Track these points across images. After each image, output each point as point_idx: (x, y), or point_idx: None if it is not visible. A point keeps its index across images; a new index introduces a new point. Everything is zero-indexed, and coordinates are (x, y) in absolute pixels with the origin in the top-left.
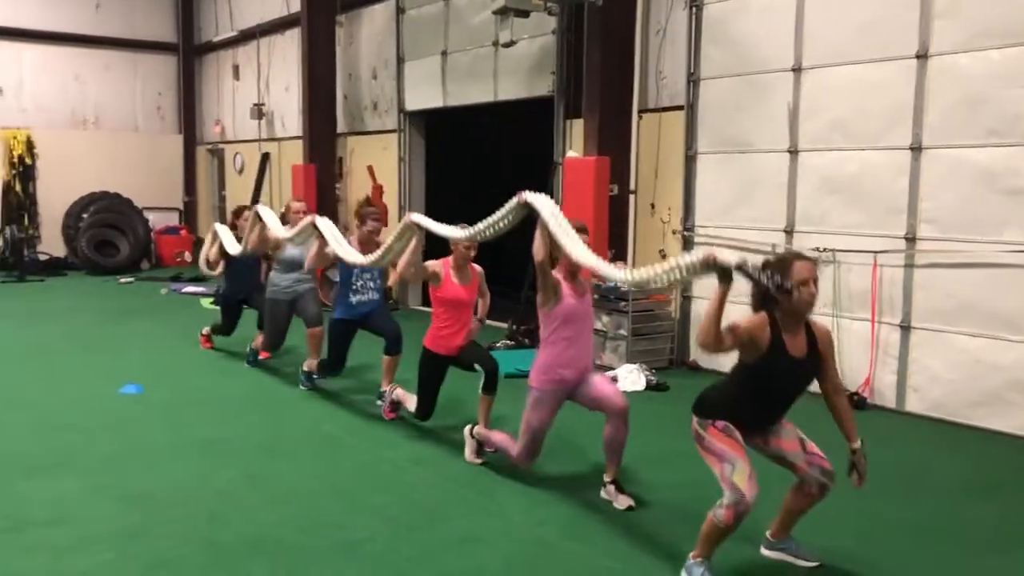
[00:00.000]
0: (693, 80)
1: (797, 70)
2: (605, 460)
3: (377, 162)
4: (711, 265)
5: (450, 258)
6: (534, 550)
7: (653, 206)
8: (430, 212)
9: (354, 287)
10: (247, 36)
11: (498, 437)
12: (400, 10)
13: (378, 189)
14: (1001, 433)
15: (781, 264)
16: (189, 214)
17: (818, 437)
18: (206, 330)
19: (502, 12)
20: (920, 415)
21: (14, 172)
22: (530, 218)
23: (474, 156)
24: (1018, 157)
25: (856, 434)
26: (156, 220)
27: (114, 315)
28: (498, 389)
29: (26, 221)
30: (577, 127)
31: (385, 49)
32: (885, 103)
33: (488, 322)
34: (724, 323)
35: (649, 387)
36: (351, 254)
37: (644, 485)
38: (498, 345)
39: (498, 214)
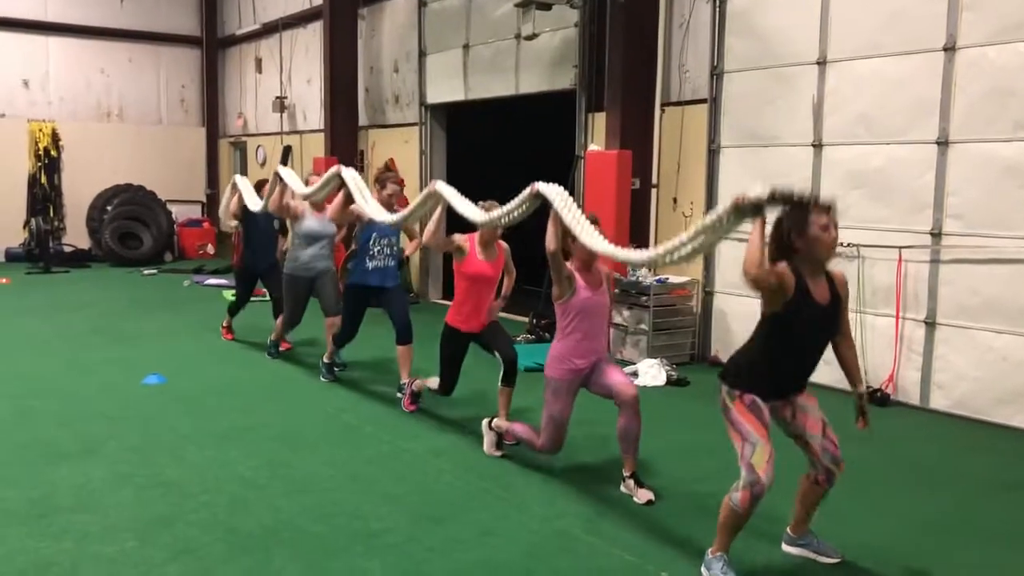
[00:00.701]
0: (716, 73)
1: (822, 63)
2: (621, 453)
3: (398, 155)
4: (742, 209)
5: (477, 234)
6: (554, 543)
7: (675, 200)
8: None
9: (371, 252)
10: (270, 29)
11: (519, 428)
12: (422, 3)
13: (399, 182)
14: None
15: (799, 208)
16: (212, 207)
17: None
18: (226, 321)
19: (524, 5)
20: (944, 412)
21: (39, 164)
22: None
23: (495, 150)
24: None
25: (861, 379)
26: (179, 212)
27: (137, 306)
28: (517, 381)
29: (51, 213)
30: (599, 121)
31: (407, 42)
32: (911, 97)
33: (508, 316)
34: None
35: (670, 382)
36: (375, 208)
37: (664, 479)
38: (518, 339)
39: (512, 204)
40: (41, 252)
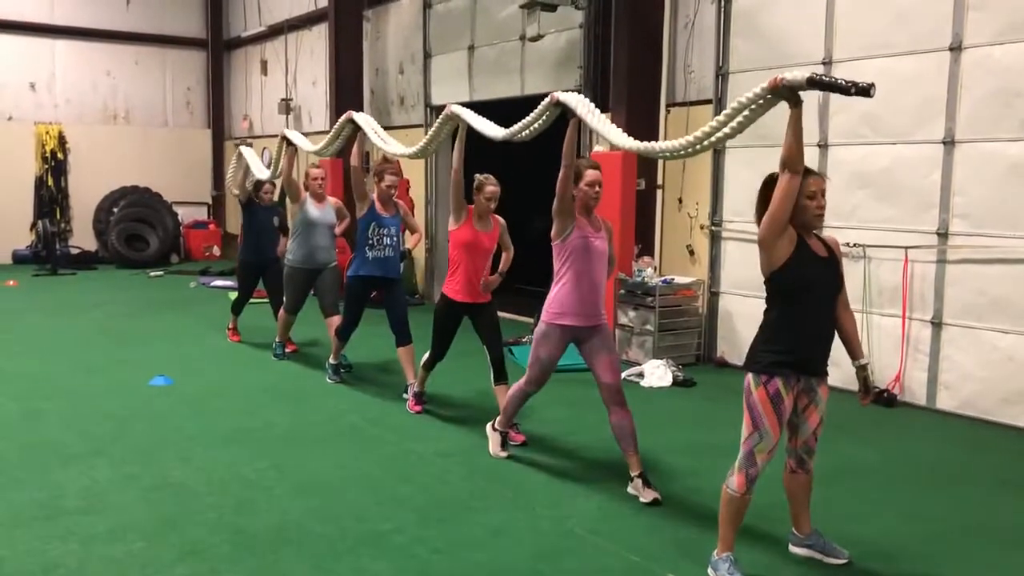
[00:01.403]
0: (722, 74)
1: (828, 63)
2: (623, 452)
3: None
4: (780, 90)
5: (473, 206)
6: (560, 543)
7: (680, 201)
8: None
9: (370, 242)
10: (275, 31)
11: (508, 398)
12: (427, 5)
13: (404, 183)
14: None
15: (842, 91)
16: (217, 208)
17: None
18: (232, 323)
19: (529, 6)
20: (951, 412)
21: (46, 167)
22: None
23: (500, 151)
24: None
25: (861, 351)
26: (185, 214)
27: (144, 308)
28: (508, 376)
29: (58, 215)
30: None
31: (412, 44)
32: (917, 96)
33: (513, 317)
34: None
35: (676, 383)
36: (391, 144)
37: (671, 479)
38: (524, 340)
39: (532, 115)
40: (48, 254)
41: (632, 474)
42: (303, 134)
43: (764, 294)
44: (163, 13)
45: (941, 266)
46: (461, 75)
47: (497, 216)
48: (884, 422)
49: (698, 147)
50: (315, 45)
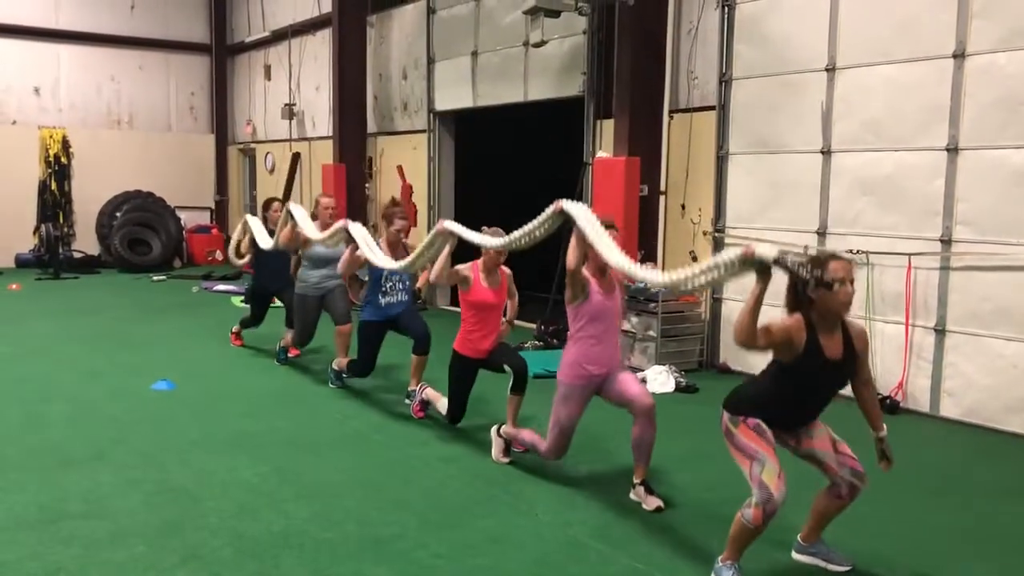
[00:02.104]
0: (725, 80)
1: (831, 70)
2: (634, 461)
3: (407, 162)
4: (749, 261)
5: (479, 261)
6: (563, 550)
7: (684, 207)
8: (459, 212)
9: (383, 288)
10: (279, 36)
11: (526, 434)
12: (431, 11)
13: (407, 189)
14: None
15: (816, 264)
16: (220, 213)
17: (846, 438)
18: (236, 328)
19: (533, 12)
20: (954, 420)
21: (50, 171)
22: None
23: (503, 156)
24: None
25: (882, 423)
26: (188, 219)
27: (146, 312)
28: (527, 389)
29: (61, 219)
30: (607, 127)
31: (415, 49)
32: (921, 103)
33: (516, 322)
34: (760, 322)
35: (679, 389)
36: (383, 259)
37: (673, 486)
38: (526, 346)
39: (534, 223)
40: (51, 258)
41: (635, 481)
42: (306, 139)
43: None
44: (167, 18)
45: (945, 273)
46: (464, 81)
47: (504, 268)
48: (887, 429)
49: (677, 288)
50: (319, 50)
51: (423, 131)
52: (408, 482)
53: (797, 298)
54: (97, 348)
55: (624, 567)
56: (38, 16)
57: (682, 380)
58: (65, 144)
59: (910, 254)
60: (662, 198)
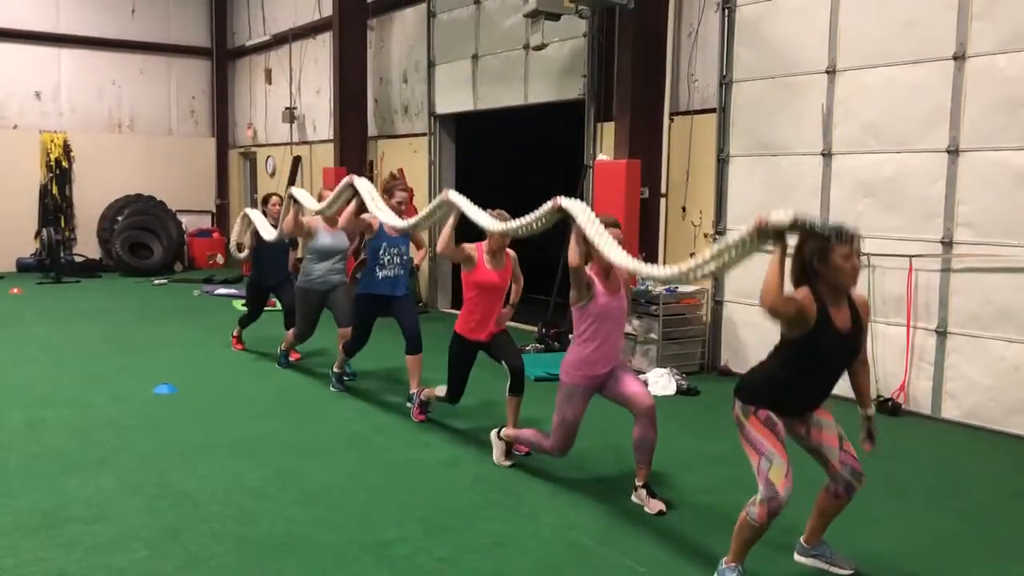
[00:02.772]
0: (725, 83)
1: (831, 72)
2: (635, 463)
3: (407, 165)
4: (765, 231)
5: (484, 243)
6: (565, 553)
7: (684, 209)
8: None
9: (381, 261)
10: (279, 40)
11: (528, 433)
12: (431, 14)
13: (408, 192)
14: None
15: (821, 238)
16: (222, 217)
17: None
18: (237, 331)
19: (533, 15)
20: (956, 422)
21: (51, 175)
22: (563, 221)
23: (504, 159)
24: None
25: (870, 401)
26: (189, 223)
27: (148, 316)
28: (524, 390)
29: (62, 223)
30: (608, 130)
31: (416, 53)
32: (921, 105)
33: (517, 325)
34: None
35: (680, 391)
36: (388, 215)
37: (675, 489)
38: (528, 348)
39: (532, 216)
40: (52, 262)
41: (637, 483)
42: (307, 143)
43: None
44: (168, 22)
45: (946, 275)
46: (465, 84)
47: (510, 251)
48: (889, 432)
49: (685, 278)
50: (319, 54)
51: (423, 134)
52: (410, 486)
53: (804, 271)
54: (98, 352)
55: (627, 570)
56: (39, 20)
57: (683, 383)
58: (66, 148)
59: (911, 256)
60: (663, 200)
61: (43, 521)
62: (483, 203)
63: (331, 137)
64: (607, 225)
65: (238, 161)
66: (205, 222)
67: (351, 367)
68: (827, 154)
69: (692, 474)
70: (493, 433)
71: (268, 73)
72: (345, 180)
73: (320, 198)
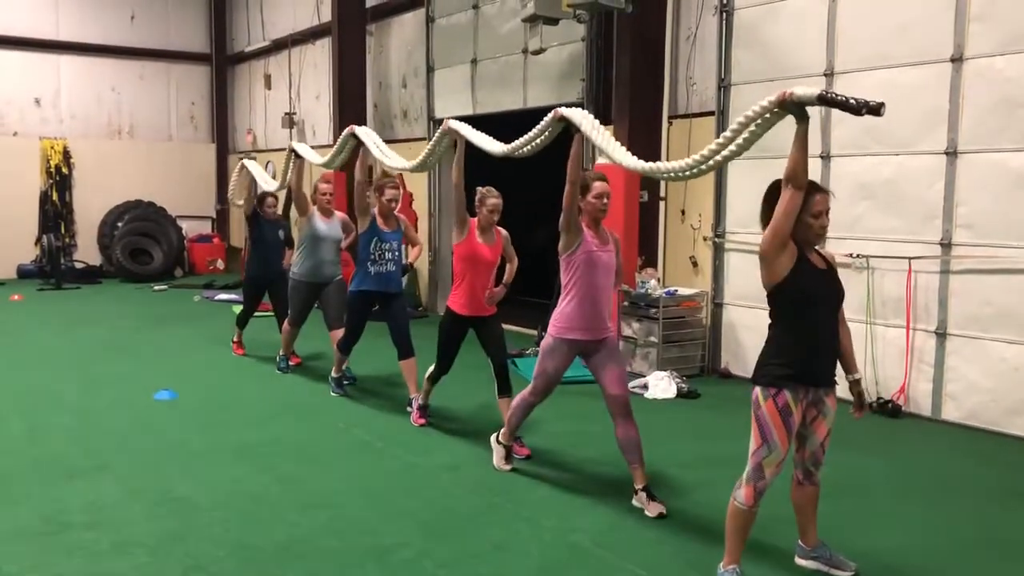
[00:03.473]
0: (724, 86)
1: (829, 74)
2: (628, 466)
3: None
4: (788, 104)
5: (476, 219)
6: (566, 557)
7: (683, 212)
8: None
9: (372, 257)
10: (279, 46)
11: (513, 408)
12: (429, 19)
13: (407, 196)
14: None
15: (850, 110)
16: (221, 222)
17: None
18: (236, 336)
19: (531, 20)
20: (956, 423)
21: (51, 182)
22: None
23: (503, 164)
24: None
25: (855, 366)
26: (189, 228)
27: (148, 322)
28: (512, 389)
29: (63, 230)
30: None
31: (415, 58)
32: (919, 107)
33: (515, 328)
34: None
35: (680, 394)
36: (392, 158)
37: (676, 492)
38: (527, 351)
39: (535, 131)
40: (53, 268)
41: (636, 487)
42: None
43: (767, 306)
44: (167, 28)
45: (945, 276)
46: (464, 88)
47: (500, 228)
48: (889, 433)
49: (703, 167)
50: (318, 59)
51: (423, 139)
52: (411, 491)
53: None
54: (99, 358)
55: (627, 573)
56: (38, 27)
57: (684, 386)
58: (66, 155)
59: (910, 258)
60: (662, 204)
61: (44, 527)
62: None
63: (331, 142)
64: (595, 179)
65: (236, 165)
66: (205, 228)
67: (351, 371)
68: (826, 156)
69: (692, 476)
70: (493, 437)
71: (267, 78)
72: (347, 131)
73: (315, 192)
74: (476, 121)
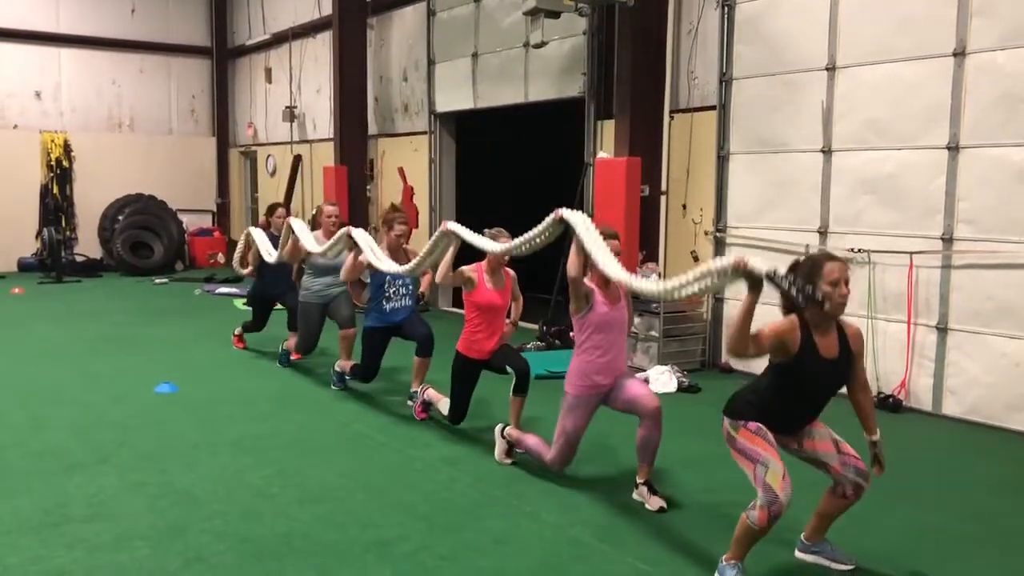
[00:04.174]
0: (725, 80)
1: (831, 69)
2: (638, 461)
3: (408, 164)
4: (741, 271)
5: (484, 262)
6: (567, 551)
7: (685, 207)
8: (460, 213)
9: (387, 294)
10: (279, 39)
11: (531, 440)
12: (431, 12)
13: (409, 190)
14: None
15: (812, 265)
16: (222, 216)
17: (844, 436)
18: (238, 330)
19: (533, 13)
20: (957, 418)
21: (51, 175)
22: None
23: (504, 158)
24: None
25: (876, 427)
26: (190, 222)
27: (149, 315)
28: (529, 390)
29: (63, 223)
30: (608, 128)
31: (416, 51)
32: (921, 102)
33: (520, 323)
34: (754, 328)
35: (681, 389)
36: (387, 264)
37: (676, 487)
38: (529, 347)
39: (535, 231)
40: (53, 262)
41: (638, 481)
42: (307, 141)
43: (767, 303)
44: (168, 22)
45: (946, 271)
46: (465, 82)
47: (508, 269)
48: (889, 428)
49: (667, 296)
50: (319, 53)
51: (424, 132)
52: (412, 484)
53: (790, 301)
54: (99, 351)
55: (627, 567)
56: (39, 20)
57: (684, 380)
58: (67, 148)
59: (912, 252)
60: (663, 198)
61: (45, 519)
62: (484, 201)
63: (331, 136)
64: (606, 237)
65: (238, 160)
66: (206, 221)
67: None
68: (827, 151)
69: (693, 471)
70: (497, 429)
71: (268, 72)
72: (343, 231)
73: (319, 214)
74: (477, 114)
